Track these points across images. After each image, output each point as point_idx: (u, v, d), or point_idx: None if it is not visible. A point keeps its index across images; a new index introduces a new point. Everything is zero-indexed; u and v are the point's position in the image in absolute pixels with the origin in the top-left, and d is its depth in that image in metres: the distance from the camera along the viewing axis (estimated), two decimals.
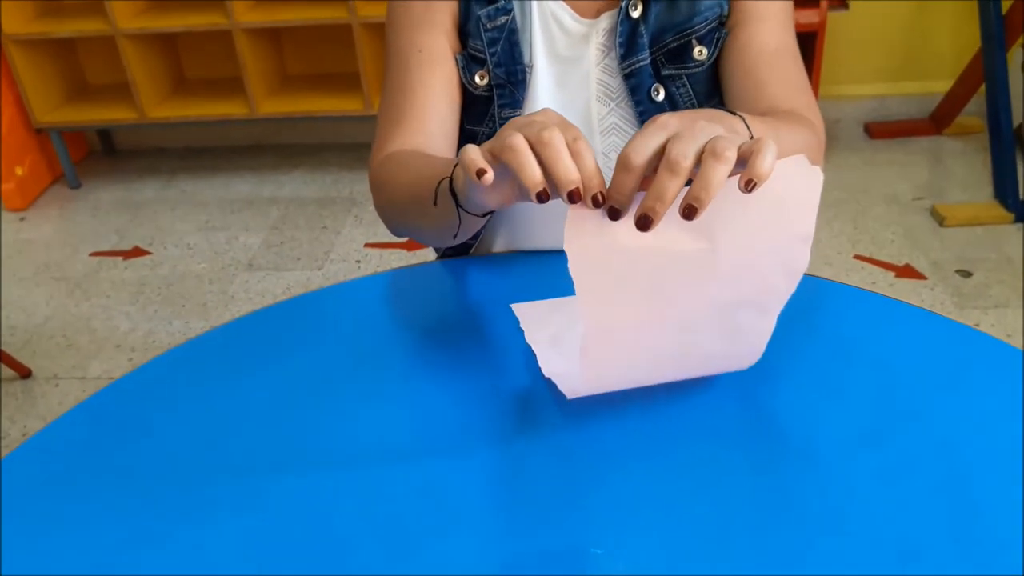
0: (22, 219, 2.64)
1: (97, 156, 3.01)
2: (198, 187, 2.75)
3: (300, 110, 2.61)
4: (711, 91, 0.90)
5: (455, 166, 0.67)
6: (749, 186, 0.51)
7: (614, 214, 0.54)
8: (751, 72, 0.85)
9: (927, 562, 0.56)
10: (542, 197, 0.53)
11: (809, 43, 2.38)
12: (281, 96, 2.70)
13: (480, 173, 0.54)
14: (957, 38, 2.67)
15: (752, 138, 0.67)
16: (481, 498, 0.63)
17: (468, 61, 0.89)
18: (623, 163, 0.54)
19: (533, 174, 0.53)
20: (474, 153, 0.55)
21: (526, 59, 0.88)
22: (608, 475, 0.64)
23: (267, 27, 2.56)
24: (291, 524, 0.62)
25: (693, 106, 0.89)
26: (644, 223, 0.53)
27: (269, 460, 0.67)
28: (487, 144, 0.58)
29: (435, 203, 0.70)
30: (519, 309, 0.76)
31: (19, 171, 2.66)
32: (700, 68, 0.88)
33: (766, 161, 0.51)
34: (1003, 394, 0.69)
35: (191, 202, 2.66)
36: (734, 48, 0.87)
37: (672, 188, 0.52)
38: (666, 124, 0.55)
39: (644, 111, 0.88)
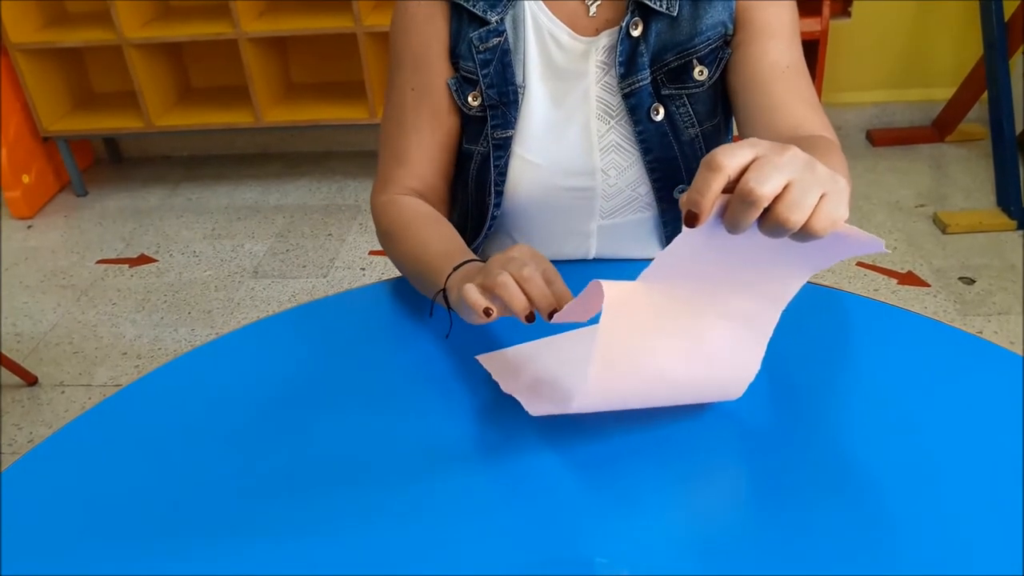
0: (29, 227, 2.65)
1: (103, 164, 3.02)
2: (204, 195, 2.76)
3: (305, 118, 2.62)
4: (712, 111, 0.90)
5: (447, 276, 0.77)
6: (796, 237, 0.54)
7: (691, 219, 0.54)
8: (766, 91, 0.85)
9: (929, 563, 0.56)
10: (529, 319, 0.67)
11: (811, 51, 2.39)
12: (286, 104, 2.71)
13: (488, 312, 0.66)
14: (959, 45, 2.67)
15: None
16: (486, 506, 0.63)
17: (461, 83, 0.90)
18: (708, 162, 0.53)
19: (522, 304, 0.66)
20: (475, 295, 0.67)
21: (519, 79, 0.88)
22: (613, 483, 0.64)
23: (273, 36, 2.57)
24: (294, 528, 0.62)
25: (693, 126, 0.89)
26: (690, 219, 0.54)
27: (274, 467, 0.68)
28: (479, 280, 0.69)
29: (430, 314, 0.83)
30: (486, 361, 0.76)
31: (26, 179, 2.67)
32: (700, 88, 0.88)
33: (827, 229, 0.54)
34: (1006, 401, 0.69)
35: (197, 210, 2.67)
36: (745, 65, 0.86)
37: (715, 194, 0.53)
38: (756, 144, 0.54)
39: (643, 130, 0.88)
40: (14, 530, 0.64)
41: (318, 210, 2.61)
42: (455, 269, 0.77)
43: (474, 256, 0.80)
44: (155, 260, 2.42)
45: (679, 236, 0.56)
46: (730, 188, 0.53)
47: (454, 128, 0.93)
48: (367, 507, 0.63)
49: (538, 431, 0.69)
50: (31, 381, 1.95)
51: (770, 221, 0.53)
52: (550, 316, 0.66)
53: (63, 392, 1.93)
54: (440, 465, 0.67)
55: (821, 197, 0.53)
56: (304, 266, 2.34)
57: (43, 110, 2.66)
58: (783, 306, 0.64)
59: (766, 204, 0.52)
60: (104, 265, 2.42)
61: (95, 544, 0.62)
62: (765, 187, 0.51)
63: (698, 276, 0.60)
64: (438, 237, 0.85)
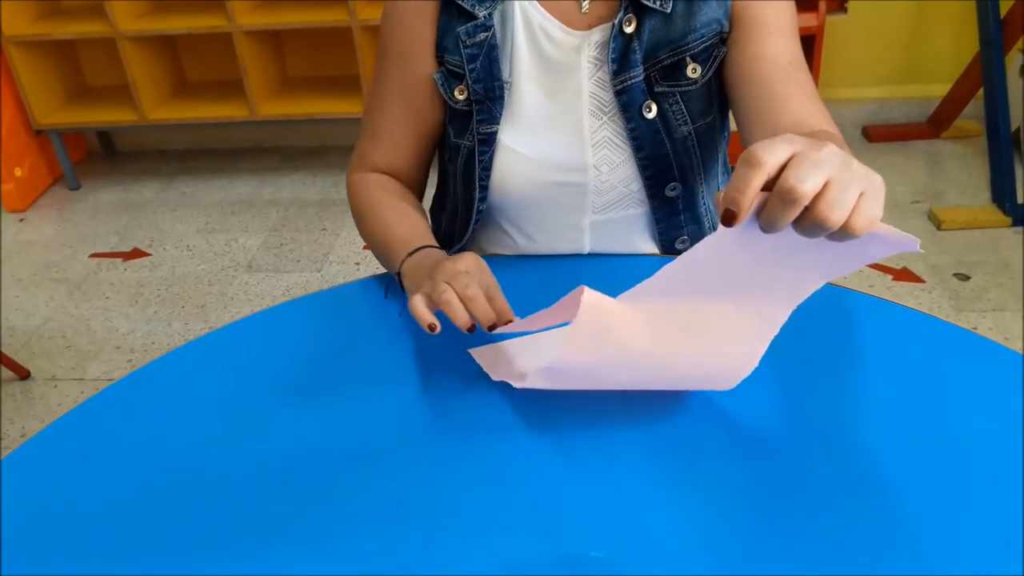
0: (21, 220, 2.64)
1: (97, 158, 3.01)
2: (198, 189, 2.75)
3: (300, 112, 2.62)
4: (705, 109, 0.89)
5: (402, 262, 0.83)
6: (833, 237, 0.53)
7: (729, 218, 0.52)
8: (767, 86, 0.84)
9: (928, 562, 0.56)
10: (470, 330, 0.72)
11: (807, 47, 2.39)
12: (281, 98, 2.70)
13: (432, 328, 0.72)
14: (955, 42, 2.67)
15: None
16: (481, 502, 0.63)
17: (447, 77, 0.90)
18: (747, 159, 0.51)
19: (464, 320, 0.72)
20: (421, 310, 0.73)
21: (505, 75, 0.88)
22: (610, 479, 0.64)
23: (268, 29, 2.56)
24: (288, 522, 0.62)
25: (686, 124, 0.88)
26: (728, 218, 0.52)
27: (268, 461, 0.68)
28: (427, 288, 0.74)
29: (385, 296, 0.87)
30: (477, 354, 0.77)
31: (19, 172, 2.66)
32: (694, 86, 0.87)
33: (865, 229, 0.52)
34: (1001, 397, 0.69)
35: (191, 204, 2.66)
36: (743, 61, 0.85)
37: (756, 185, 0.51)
38: (793, 140, 0.53)
39: (635, 127, 0.88)
40: (7, 525, 0.64)
41: (313, 204, 2.61)
42: (409, 255, 0.83)
43: (431, 242, 0.86)
44: (148, 254, 2.41)
45: (709, 237, 0.55)
46: (766, 186, 0.52)
47: (435, 122, 0.94)
48: (363, 501, 0.63)
49: (534, 425, 0.69)
50: (23, 375, 1.94)
51: (808, 220, 0.51)
52: (490, 329, 0.71)
53: (56, 386, 1.92)
54: (435, 459, 0.67)
55: (859, 195, 0.51)
56: (298, 260, 2.33)
57: (36, 103, 2.65)
58: (799, 302, 0.63)
59: (807, 203, 0.50)
60: (97, 259, 2.41)
61: (88, 539, 0.62)
62: (806, 185, 0.50)
63: (719, 273, 0.59)
64: (400, 218, 0.91)
